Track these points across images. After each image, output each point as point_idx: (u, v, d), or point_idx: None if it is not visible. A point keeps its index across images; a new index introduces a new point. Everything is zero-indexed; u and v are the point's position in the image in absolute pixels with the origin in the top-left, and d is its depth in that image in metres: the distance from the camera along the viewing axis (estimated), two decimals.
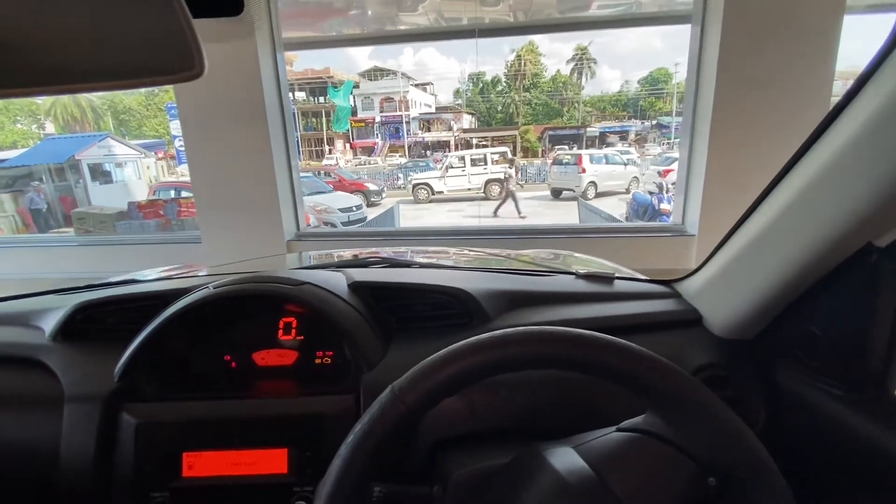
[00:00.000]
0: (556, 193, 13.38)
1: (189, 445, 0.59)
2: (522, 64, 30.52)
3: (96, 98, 24.93)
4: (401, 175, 17.38)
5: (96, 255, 3.34)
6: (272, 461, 0.59)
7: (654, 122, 26.26)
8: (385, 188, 14.89)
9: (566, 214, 10.70)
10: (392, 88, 26.17)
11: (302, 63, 25.60)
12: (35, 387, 0.64)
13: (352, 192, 11.68)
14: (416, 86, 28.74)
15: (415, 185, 14.14)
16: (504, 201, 10.99)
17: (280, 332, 0.72)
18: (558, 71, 32.10)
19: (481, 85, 31.72)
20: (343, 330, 0.65)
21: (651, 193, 7.09)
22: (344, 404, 0.60)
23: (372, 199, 12.94)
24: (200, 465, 0.59)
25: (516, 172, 15.01)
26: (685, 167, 2.67)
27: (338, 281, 0.75)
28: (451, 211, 12.48)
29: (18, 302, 0.84)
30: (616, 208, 9.37)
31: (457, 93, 32.93)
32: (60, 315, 0.72)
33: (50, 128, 23.83)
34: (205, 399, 0.63)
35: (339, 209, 9.01)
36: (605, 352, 0.39)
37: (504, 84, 31.61)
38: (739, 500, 0.38)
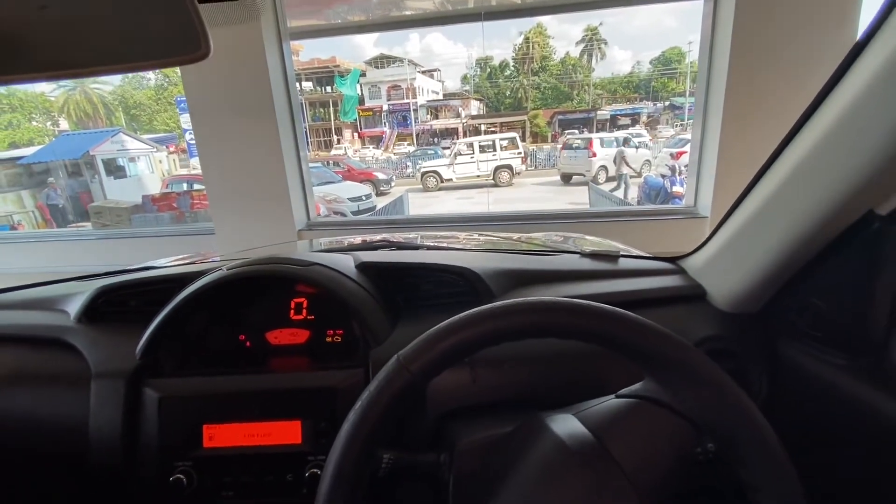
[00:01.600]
0: (567, 178, 13.23)
1: (208, 418, 0.62)
2: (531, 47, 29.99)
3: (107, 94, 25.24)
4: (409, 163, 17.35)
5: (114, 248, 3.41)
6: (287, 432, 0.61)
7: (667, 103, 25.72)
8: (394, 177, 14.89)
9: (577, 200, 10.59)
10: (399, 76, 25.96)
11: (308, 53, 25.50)
12: (63, 366, 0.67)
13: (361, 182, 11.71)
14: (423, 72, 28.48)
15: (423, 174, 14.10)
16: (620, 186, 9.77)
17: (292, 312, 0.75)
18: (567, 53, 31.51)
19: (489, 70, 31.30)
20: (352, 308, 0.67)
21: (663, 176, 6.98)
22: (354, 378, 0.63)
23: (381, 189, 12.96)
24: (220, 436, 0.62)
25: (524, 159, 14.73)
26: (698, 148, 2.62)
27: (346, 262, 0.76)
28: (461, 199, 12.45)
29: (44, 288, 0.88)
30: (628, 192, 9.26)
31: (464, 78, 32.60)
32: (84, 298, 0.75)
33: (64, 125, 24.20)
34: (222, 374, 0.66)
35: (349, 198, 9.07)
36: (599, 319, 0.39)
37: (512, 68, 31.15)
38: (742, 470, 0.38)
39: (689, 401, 0.40)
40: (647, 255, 0.89)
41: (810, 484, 0.37)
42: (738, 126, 2.37)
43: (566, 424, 0.43)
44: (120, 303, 0.76)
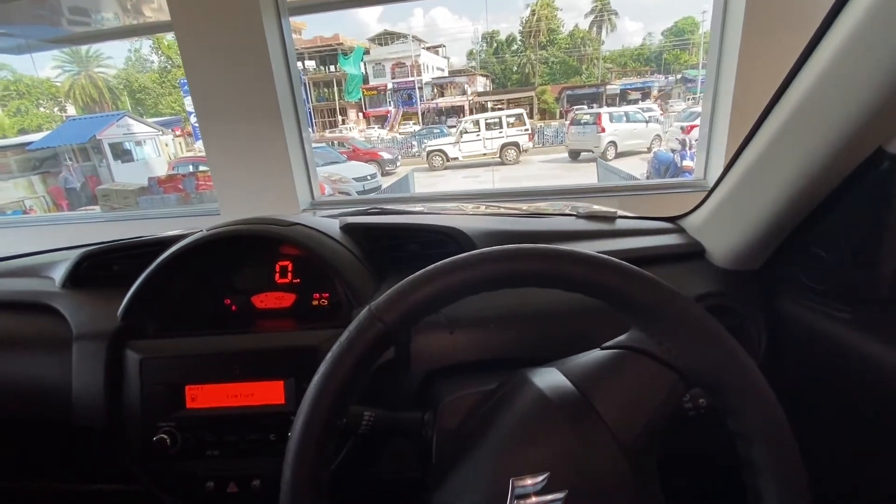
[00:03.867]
0: (575, 155, 13.02)
1: (191, 379, 0.62)
2: (538, 20, 29.13)
3: (111, 77, 25.14)
4: (415, 142, 17.17)
5: (121, 230, 3.45)
6: (270, 392, 0.61)
7: (679, 76, 24.98)
8: (399, 156, 14.76)
9: (585, 177, 10.44)
10: (403, 53, 25.45)
11: (311, 31, 25.07)
12: (47, 330, 0.68)
13: (366, 162, 11.63)
14: (428, 49, 27.87)
15: (429, 153, 13.97)
16: None
17: (277, 275, 0.74)
18: (576, 26, 30.60)
19: (495, 45, 30.54)
20: (334, 268, 0.66)
21: (674, 151, 6.84)
22: (336, 337, 0.62)
23: (386, 168, 12.87)
24: (203, 396, 0.62)
25: (531, 136, 14.50)
26: (708, 120, 2.55)
27: (330, 223, 0.75)
28: (467, 177, 12.33)
29: (32, 258, 0.90)
30: (637, 168, 9.10)
31: (470, 54, 31.88)
32: (68, 264, 0.76)
33: (71, 110, 24.24)
34: (204, 335, 0.65)
35: (354, 178, 9.03)
36: (579, 265, 0.37)
37: (519, 43, 30.35)
38: (732, 419, 0.37)
39: (676, 348, 0.38)
40: (646, 216, 0.87)
41: (813, 439, 0.35)
42: (750, 97, 2.29)
43: (548, 378, 0.42)
44: (105, 267, 0.76)
